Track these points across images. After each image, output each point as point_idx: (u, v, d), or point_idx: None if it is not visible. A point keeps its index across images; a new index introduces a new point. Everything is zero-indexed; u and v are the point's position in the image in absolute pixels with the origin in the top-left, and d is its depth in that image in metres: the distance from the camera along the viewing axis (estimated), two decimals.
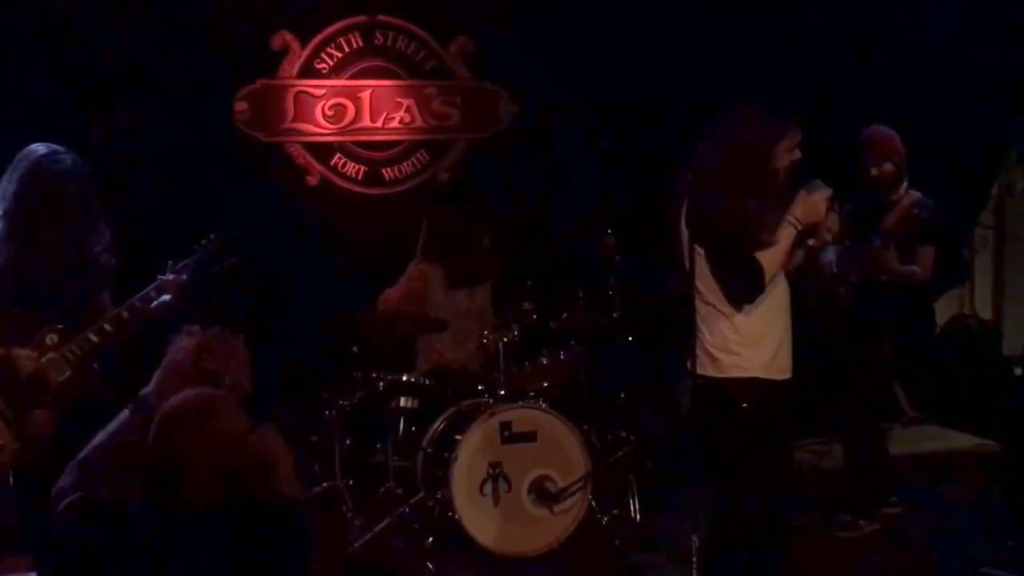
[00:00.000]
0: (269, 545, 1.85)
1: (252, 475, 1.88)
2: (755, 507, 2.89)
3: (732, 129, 2.93)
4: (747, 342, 2.90)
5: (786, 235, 2.89)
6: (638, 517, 4.17)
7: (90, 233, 2.99)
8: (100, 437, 2.17)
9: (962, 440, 5.17)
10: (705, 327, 2.97)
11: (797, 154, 2.94)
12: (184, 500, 1.81)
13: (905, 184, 4.19)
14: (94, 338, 2.84)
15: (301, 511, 1.99)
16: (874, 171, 4.16)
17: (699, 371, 2.99)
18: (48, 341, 2.84)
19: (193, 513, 1.82)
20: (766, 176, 2.89)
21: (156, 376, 2.23)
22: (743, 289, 2.87)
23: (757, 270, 2.83)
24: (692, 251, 2.96)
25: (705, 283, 2.96)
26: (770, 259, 2.85)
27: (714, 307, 2.95)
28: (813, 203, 2.92)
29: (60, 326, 2.87)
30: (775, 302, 2.94)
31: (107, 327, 2.88)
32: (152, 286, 3.04)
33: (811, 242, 3.07)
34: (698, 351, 2.98)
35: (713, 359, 2.95)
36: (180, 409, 1.86)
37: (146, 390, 2.20)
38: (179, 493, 1.81)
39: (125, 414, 2.17)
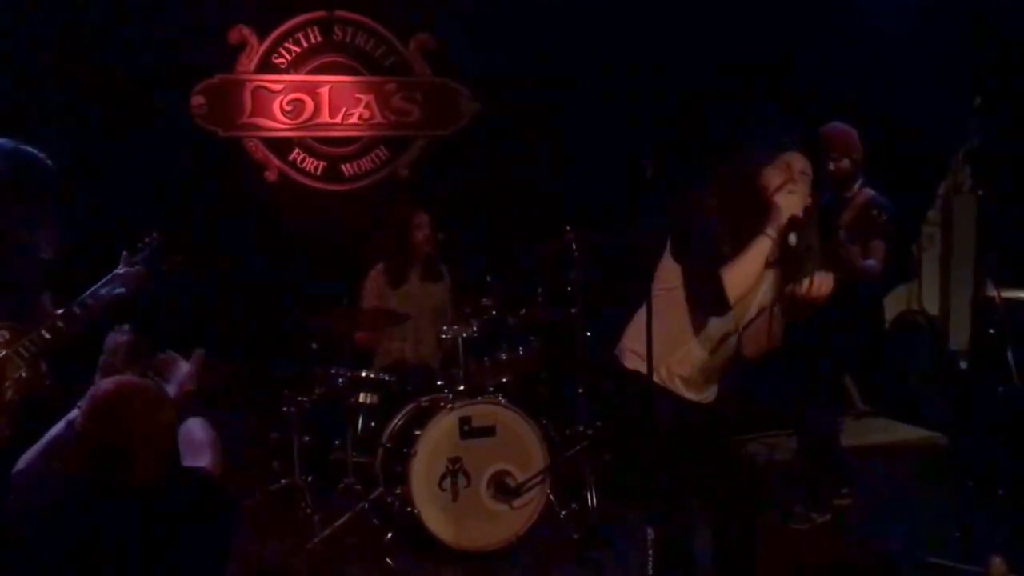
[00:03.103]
0: (199, 516, 1.97)
1: (176, 453, 2.00)
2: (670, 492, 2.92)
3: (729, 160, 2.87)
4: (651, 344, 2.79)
5: (757, 245, 2.70)
6: (596, 511, 4.22)
7: (32, 223, 2.90)
8: (34, 450, 2.15)
9: (910, 433, 5.29)
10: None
11: (797, 190, 2.71)
12: (126, 481, 1.88)
13: (860, 181, 4.26)
14: (47, 335, 2.78)
15: (222, 483, 2.10)
16: (831, 167, 4.20)
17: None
18: None
19: (130, 492, 1.89)
20: (743, 196, 2.76)
21: (96, 379, 2.27)
22: (706, 302, 2.79)
23: (715, 283, 2.69)
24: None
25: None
26: (733, 271, 2.71)
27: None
28: (787, 205, 2.70)
29: (8, 323, 2.81)
30: (679, 321, 2.84)
31: (59, 324, 2.83)
32: (103, 281, 2.99)
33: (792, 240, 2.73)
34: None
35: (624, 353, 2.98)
36: (110, 395, 1.93)
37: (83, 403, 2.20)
38: (121, 475, 1.88)
39: (60, 427, 2.15)
